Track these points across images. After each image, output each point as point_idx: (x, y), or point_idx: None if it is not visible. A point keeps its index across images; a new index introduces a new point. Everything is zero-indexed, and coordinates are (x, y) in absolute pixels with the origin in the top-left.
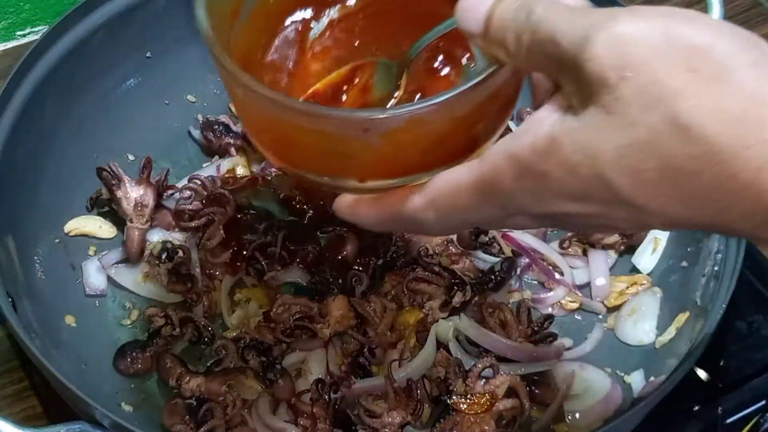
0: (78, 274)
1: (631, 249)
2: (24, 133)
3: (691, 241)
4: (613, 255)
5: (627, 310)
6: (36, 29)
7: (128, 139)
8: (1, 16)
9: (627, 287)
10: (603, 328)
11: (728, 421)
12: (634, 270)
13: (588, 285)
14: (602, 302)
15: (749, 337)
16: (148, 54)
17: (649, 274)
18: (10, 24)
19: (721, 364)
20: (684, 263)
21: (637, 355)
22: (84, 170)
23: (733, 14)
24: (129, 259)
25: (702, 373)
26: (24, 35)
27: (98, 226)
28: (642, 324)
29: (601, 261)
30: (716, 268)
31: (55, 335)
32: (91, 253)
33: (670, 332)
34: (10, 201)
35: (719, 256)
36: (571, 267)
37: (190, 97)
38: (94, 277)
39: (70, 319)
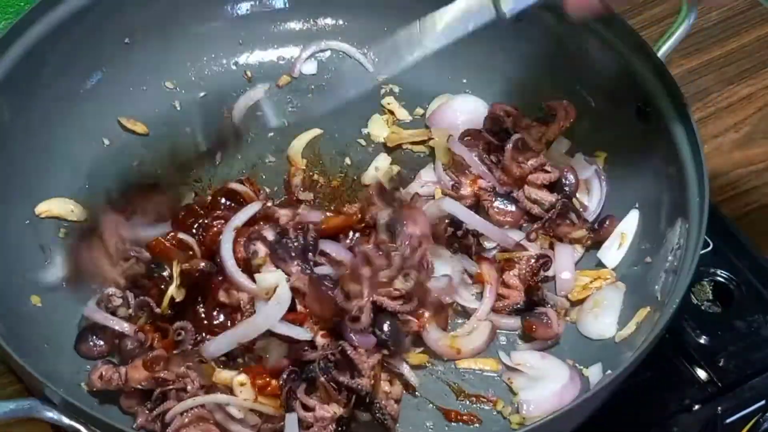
0: (47, 255)
1: (597, 244)
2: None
3: (655, 237)
4: (579, 249)
5: (590, 304)
6: None
7: (103, 126)
8: (1, 16)
9: (591, 281)
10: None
11: (728, 421)
12: (600, 265)
13: (553, 278)
14: (566, 296)
15: (749, 337)
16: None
17: (614, 269)
18: (10, 24)
19: (721, 364)
20: (648, 259)
21: (597, 348)
22: (58, 153)
23: (733, 14)
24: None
25: (702, 373)
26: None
27: (70, 210)
28: (603, 318)
29: (567, 255)
30: (675, 263)
31: (20, 314)
32: (61, 235)
33: (630, 327)
34: None
35: (679, 251)
36: None
37: (168, 84)
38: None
39: (35, 299)
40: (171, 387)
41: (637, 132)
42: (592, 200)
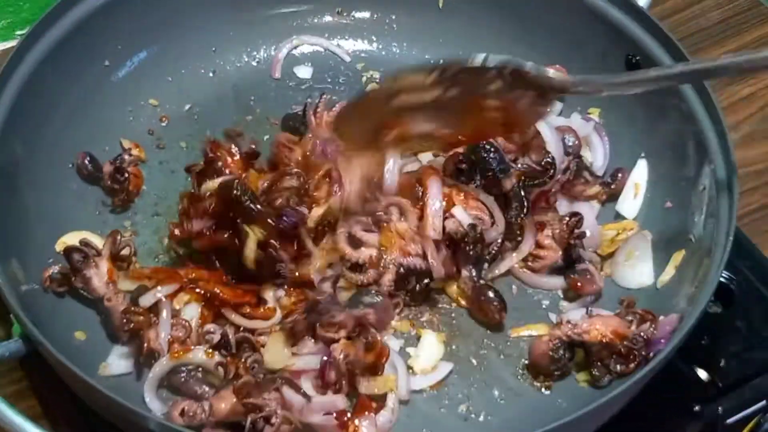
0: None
1: (612, 197)
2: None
3: (670, 181)
4: (596, 205)
5: (622, 256)
6: None
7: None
8: (1, 15)
9: (617, 234)
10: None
11: (728, 421)
12: (619, 217)
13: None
14: (595, 252)
15: (749, 337)
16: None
17: (635, 219)
18: (9, 24)
19: (721, 364)
20: (668, 204)
21: (639, 297)
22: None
23: (733, 14)
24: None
25: (702, 373)
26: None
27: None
28: (640, 268)
29: (587, 212)
30: (705, 205)
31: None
32: None
33: (669, 272)
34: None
35: (705, 192)
36: None
37: (153, 101)
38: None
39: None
40: (261, 414)
41: None
42: (596, 156)
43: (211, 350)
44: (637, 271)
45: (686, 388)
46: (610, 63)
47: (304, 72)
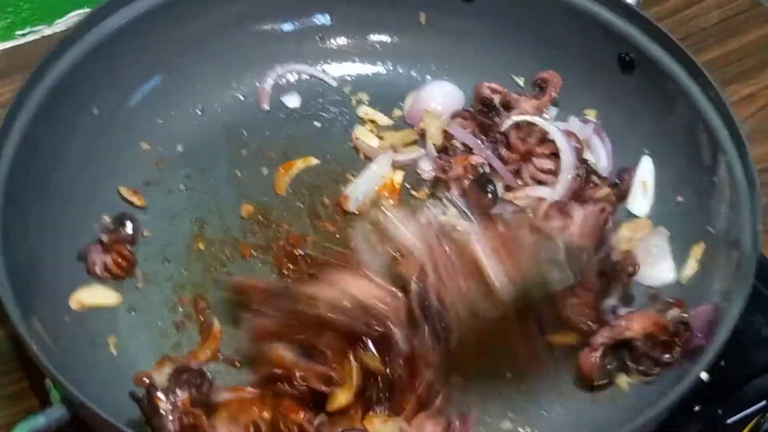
0: (102, 349)
1: (621, 197)
2: None
3: (679, 177)
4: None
5: (640, 254)
6: (36, 29)
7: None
8: (1, 16)
9: (632, 234)
10: None
11: (728, 421)
12: (631, 216)
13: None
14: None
15: (749, 337)
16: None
17: (647, 217)
18: (9, 24)
19: (721, 364)
20: (679, 198)
21: (664, 294)
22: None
23: (733, 14)
24: None
25: (702, 373)
26: (24, 35)
27: (103, 296)
28: (660, 265)
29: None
30: (722, 196)
31: None
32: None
33: (692, 266)
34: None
35: (718, 181)
36: None
37: (145, 145)
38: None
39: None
40: None
41: (623, 80)
42: (600, 158)
43: None
44: (658, 268)
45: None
46: (603, 65)
47: (292, 101)
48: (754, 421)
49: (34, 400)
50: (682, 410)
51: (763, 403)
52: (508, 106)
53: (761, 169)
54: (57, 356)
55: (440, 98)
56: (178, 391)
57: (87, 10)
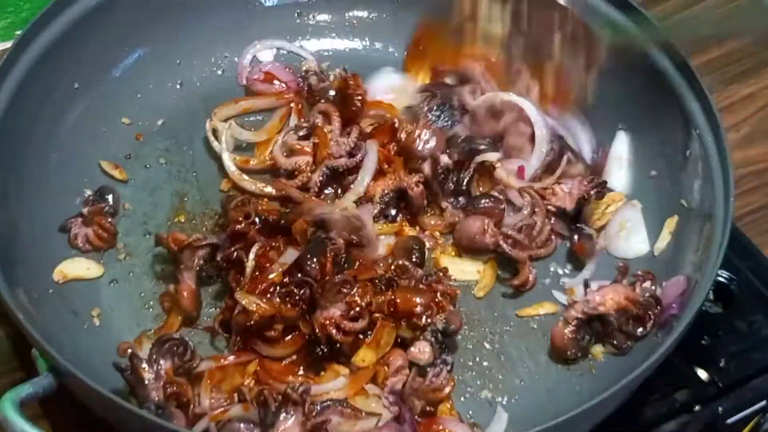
0: (85, 320)
1: (596, 173)
2: None
3: (653, 151)
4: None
5: (614, 227)
6: None
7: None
8: (1, 15)
9: (606, 207)
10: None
11: (728, 421)
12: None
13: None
14: (587, 225)
15: (749, 337)
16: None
17: (622, 191)
18: (9, 24)
19: (721, 364)
20: (653, 172)
21: (637, 266)
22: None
23: (733, 14)
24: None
25: (702, 373)
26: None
27: (85, 268)
28: (633, 237)
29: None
30: (694, 169)
31: None
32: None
33: (665, 238)
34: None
35: (691, 155)
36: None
37: (125, 119)
38: None
39: None
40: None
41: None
42: (579, 137)
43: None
44: (632, 240)
45: (686, 388)
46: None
47: None
48: (754, 421)
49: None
50: (682, 410)
51: (763, 403)
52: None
53: (761, 169)
54: (42, 327)
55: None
56: (162, 361)
57: None
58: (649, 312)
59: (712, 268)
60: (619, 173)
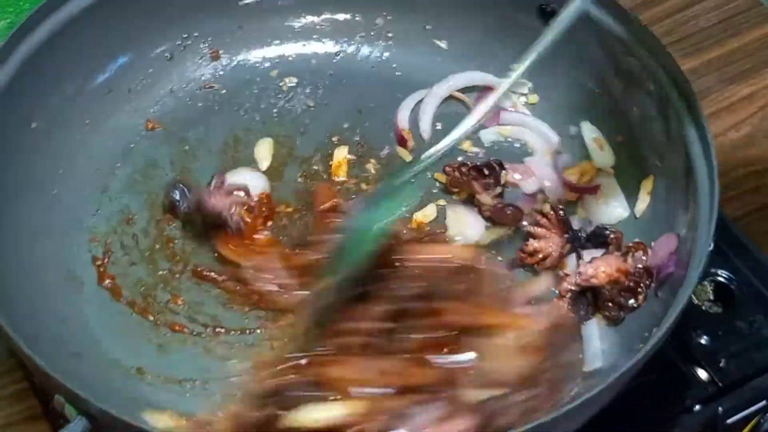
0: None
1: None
2: None
3: (615, 117)
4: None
5: (592, 196)
6: None
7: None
8: (2, 15)
9: (579, 177)
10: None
11: (728, 421)
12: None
13: (542, 191)
14: (560, 199)
15: (749, 337)
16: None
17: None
18: (9, 24)
19: (721, 364)
20: (619, 137)
21: (625, 232)
22: None
23: (733, 14)
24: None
25: (702, 373)
26: None
27: None
28: (612, 202)
29: (540, 165)
30: (655, 128)
31: None
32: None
33: (644, 199)
34: None
35: (656, 105)
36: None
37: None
38: None
39: None
40: None
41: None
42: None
43: None
44: (611, 206)
45: (686, 388)
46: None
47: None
48: (754, 421)
49: (34, 400)
50: (682, 410)
51: (763, 403)
52: None
53: (762, 170)
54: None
55: None
56: None
57: None
58: (641, 284)
59: (707, 223)
60: (602, 153)
